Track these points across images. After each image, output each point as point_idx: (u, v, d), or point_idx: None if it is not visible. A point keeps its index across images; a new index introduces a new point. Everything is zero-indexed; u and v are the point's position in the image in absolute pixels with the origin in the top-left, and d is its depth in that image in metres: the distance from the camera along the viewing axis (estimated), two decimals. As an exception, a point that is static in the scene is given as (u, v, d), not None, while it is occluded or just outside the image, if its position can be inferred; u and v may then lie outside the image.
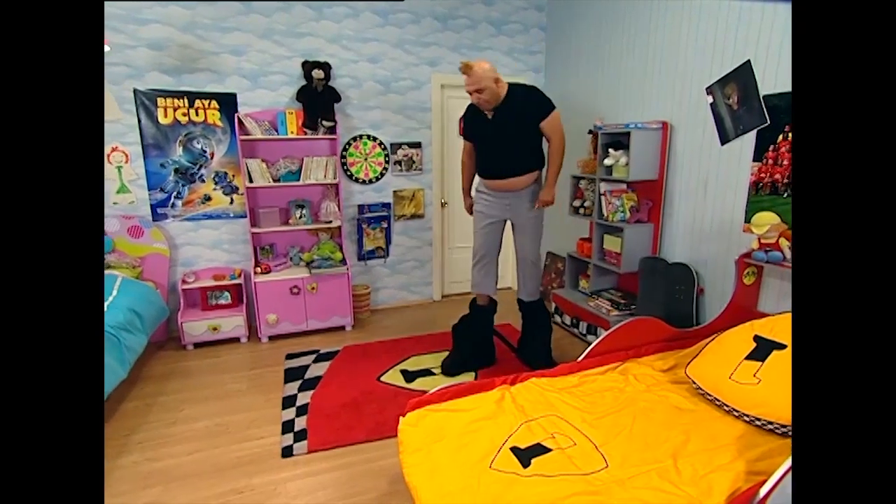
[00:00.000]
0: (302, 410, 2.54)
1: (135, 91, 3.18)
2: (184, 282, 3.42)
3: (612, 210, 3.15)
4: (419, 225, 4.13)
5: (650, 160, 2.98)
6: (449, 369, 2.93)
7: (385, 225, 3.97)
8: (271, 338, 3.50)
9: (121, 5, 3.01)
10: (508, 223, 2.82)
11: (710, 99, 2.63)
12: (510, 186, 2.66)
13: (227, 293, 3.52)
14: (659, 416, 1.77)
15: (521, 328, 3.07)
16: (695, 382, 1.91)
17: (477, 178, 2.83)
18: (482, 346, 3.01)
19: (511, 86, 2.55)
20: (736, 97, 2.47)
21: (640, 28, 3.11)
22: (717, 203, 2.66)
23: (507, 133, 2.57)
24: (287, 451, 2.20)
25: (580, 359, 2.21)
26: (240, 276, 3.54)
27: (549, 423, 1.75)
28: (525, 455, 1.58)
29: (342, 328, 3.67)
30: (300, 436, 2.32)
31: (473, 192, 2.90)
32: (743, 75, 2.41)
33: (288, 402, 2.63)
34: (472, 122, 2.72)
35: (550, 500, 1.36)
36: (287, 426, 2.40)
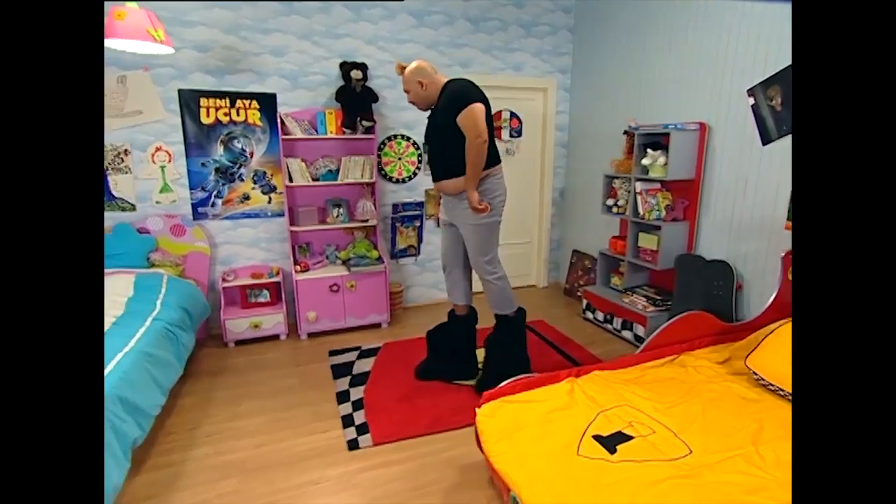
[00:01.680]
0: (358, 405, 2.59)
1: (179, 91, 3.21)
2: (224, 280, 3.46)
3: (648, 209, 3.24)
4: (449, 223, 4.19)
5: (687, 160, 3.06)
6: (420, 374, 2.85)
7: (417, 224, 4.02)
8: (310, 335, 3.55)
9: (168, 7, 3.04)
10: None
11: (751, 100, 2.71)
12: (442, 189, 2.54)
13: (265, 291, 3.56)
14: (727, 405, 1.85)
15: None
16: (756, 374, 1.99)
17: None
18: (461, 357, 2.85)
19: (446, 83, 2.43)
20: (779, 99, 2.56)
21: (676, 30, 3.19)
22: (757, 201, 2.75)
23: (434, 134, 2.48)
24: (353, 444, 2.26)
25: (638, 352, 2.29)
26: (277, 274, 3.58)
27: (624, 412, 1.82)
28: (609, 442, 1.65)
29: (378, 325, 3.72)
30: (362, 429, 2.37)
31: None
32: (788, 78, 2.50)
33: (342, 397, 2.68)
34: (428, 122, 2.60)
35: (647, 484, 1.44)
36: (347, 420, 2.46)
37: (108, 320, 2.53)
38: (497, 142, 4.20)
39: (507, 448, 1.69)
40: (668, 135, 3.02)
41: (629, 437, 1.67)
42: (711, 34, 2.94)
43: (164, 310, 2.74)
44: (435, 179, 2.58)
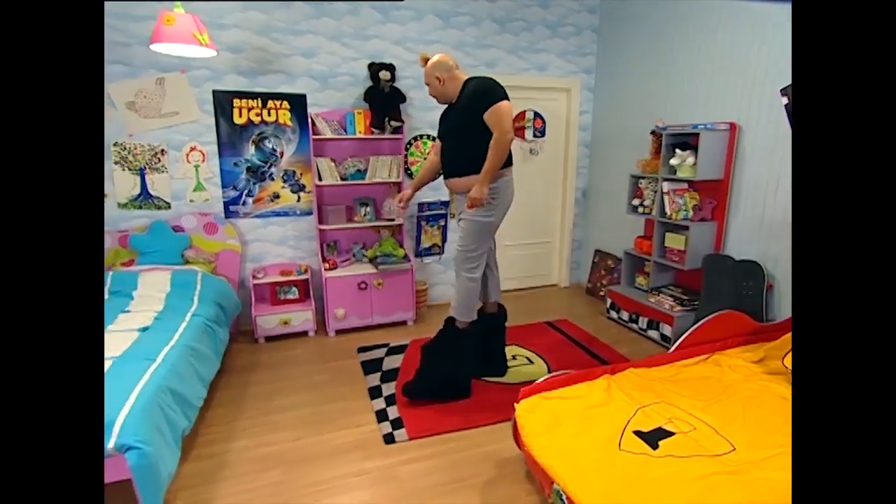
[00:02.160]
0: (391, 400, 2.64)
1: (213, 93, 3.29)
2: (254, 277, 3.53)
3: (675, 209, 3.24)
4: (473, 223, 4.22)
5: (717, 160, 3.06)
6: (406, 392, 2.59)
7: (442, 223, 4.06)
8: (338, 332, 3.61)
9: (204, 10, 3.11)
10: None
11: (784, 100, 2.71)
12: (453, 186, 2.56)
13: (294, 288, 3.63)
14: (767, 404, 1.86)
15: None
16: (793, 373, 2.00)
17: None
18: (493, 352, 2.84)
19: (468, 79, 2.45)
20: (813, 99, 2.55)
21: (705, 31, 3.19)
22: (789, 201, 2.75)
23: (452, 131, 2.47)
24: (389, 438, 2.31)
25: (671, 350, 2.31)
26: (305, 271, 3.64)
27: (662, 409, 1.84)
28: (651, 438, 1.68)
29: (404, 323, 3.77)
30: (397, 424, 2.42)
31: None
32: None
33: (374, 392, 2.73)
34: (441, 117, 2.62)
35: (693, 479, 1.46)
36: (381, 415, 2.51)
37: (150, 315, 2.61)
38: (520, 142, 4.28)
39: (549, 442, 1.72)
40: (697, 135, 3.03)
41: (671, 433, 1.69)
42: (742, 34, 2.94)
43: (202, 305, 2.82)
44: (446, 176, 2.59)
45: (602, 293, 4.27)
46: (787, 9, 2.64)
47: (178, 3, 2.33)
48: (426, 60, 2.47)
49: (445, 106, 2.61)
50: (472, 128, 2.33)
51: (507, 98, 2.32)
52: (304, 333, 3.57)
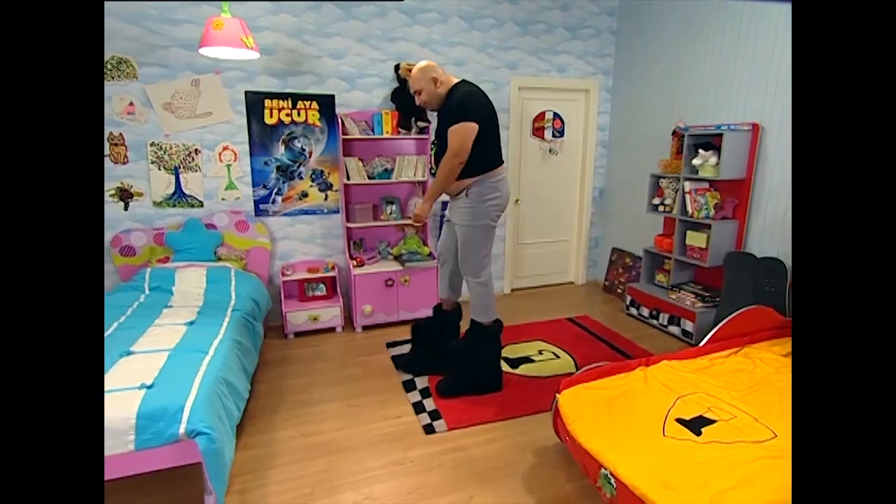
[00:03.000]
0: (425, 393, 2.72)
1: (245, 93, 3.37)
2: (283, 274, 3.61)
3: (697, 207, 3.32)
4: (493, 221, 4.30)
5: (739, 160, 3.14)
6: (404, 367, 2.91)
7: (464, 221, 4.14)
8: (365, 327, 3.69)
9: (238, 13, 3.19)
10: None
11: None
12: (447, 190, 2.53)
13: (322, 285, 3.71)
14: (800, 393, 1.94)
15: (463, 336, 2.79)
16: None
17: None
18: (440, 351, 2.82)
19: (457, 83, 2.43)
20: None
21: (726, 33, 3.27)
22: (811, 200, 2.82)
23: (442, 138, 2.41)
24: (429, 429, 2.38)
25: (703, 344, 2.38)
26: (333, 268, 3.72)
27: (700, 398, 1.92)
28: (693, 425, 1.75)
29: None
30: (434, 415, 2.50)
31: None
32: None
33: (408, 385, 2.81)
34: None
35: (739, 463, 1.54)
36: (418, 407, 2.58)
37: (193, 310, 2.69)
38: (540, 142, 4.35)
39: (594, 430, 1.80)
40: (720, 136, 3.10)
41: (712, 421, 1.77)
42: (766, 36, 3.01)
43: (239, 301, 2.90)
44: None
45: (620, 290, 4.35)
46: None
47: (224, 2, 2.41)
48: (409, 69, 2.45)
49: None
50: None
51: (476, 118, 2.29)
52: (332, 329, 3.65)
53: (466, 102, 2.32)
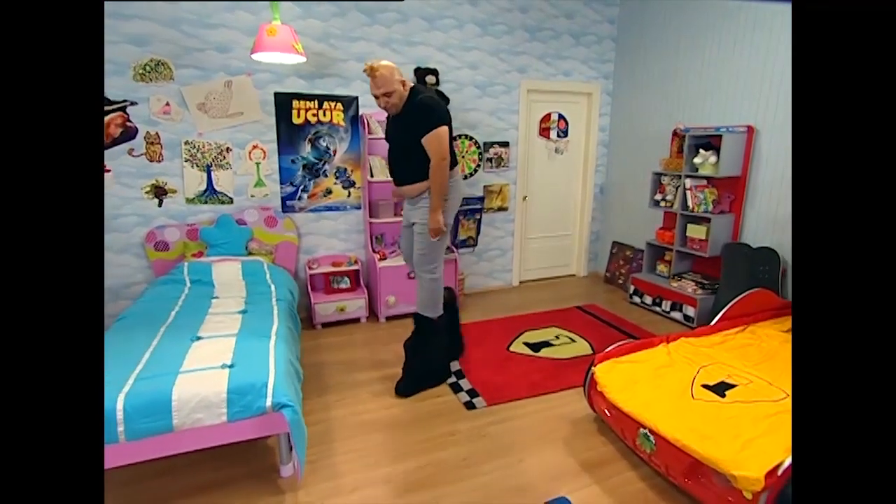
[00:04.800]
0: (459, 375, 2.93)
1: (275, 94, 3.51)
2: (310, 267, 3.77)
3: (697, 202, 3.62)
4: (503, 217, 4.55)
5: (736, 159, 3.45)
6: (402, 391, 2.72)
7: (478, 217, 4.37)
8: (388, 318, 3.87)
9: (270, 18, 3.33)
10: None
11: (798, 107, 3.10)
12: (403, 193, 2.60)
13: (346, 278, 3.88)
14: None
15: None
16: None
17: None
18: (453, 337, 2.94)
19: (412, 88, 2.47)
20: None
21: (722, 43, 3.57)
22: (801, 195, 3.14)
23: (400, 138, 2.45)
24: (470, 406, 2.60)
25: (713, 323, 2.67)
26: (355, 262, 3.89)
27: (719, 368, 2.20)
28: (717, 389, 2.02)
29: (447, 309, 4.05)
30: (472, 394, 2.71)
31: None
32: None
33: (442, 368, 3.02)
34: (388, 124, 2.61)
35: (761, 417, 1.81)
36: (455, 387, 2.80)
37: (240, 300, 2.84)
38: (546, 141, 4.61)
39: (631, 396, 2.05)
40: (719, 136, 3.41)
41: (733, 385, 2.04)
42: (759, 45, 3.32)
43: (279, 292, 3.05)
44: (396, 184, 2.62)
45: (621, 281, 4.65)
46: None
47: (276, 10, 2.56)
48: (374, 69, 2.34)
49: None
50: (417, 145, 2.40)
51: (446, 121, 2.36)
52: (357, 320, 3.82)
53: (434, 109, 2.38)
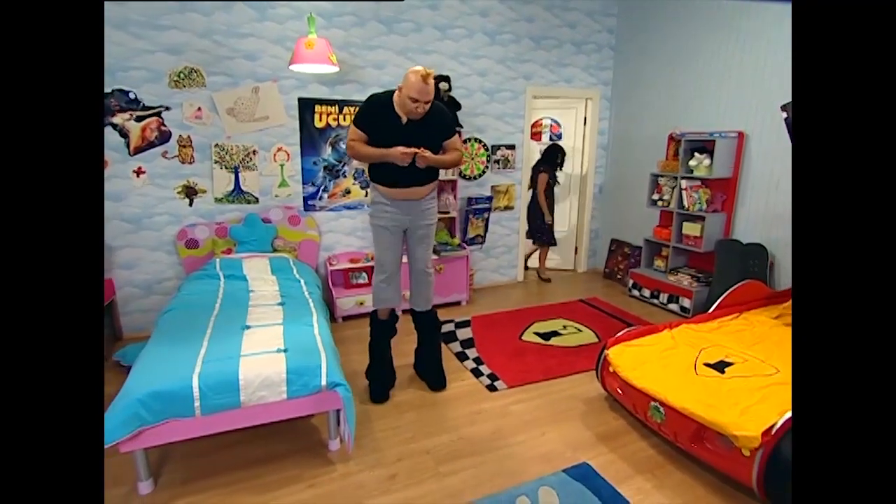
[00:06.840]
0: (478, 361, 3.17)
1: (299, 100, 3.71)
2: (330, 263, 3.97)
3: (692, 202, 3.91)
4: (509, 216, 4.80)
5: (728, 161, 3.74)
6: (378, 398, 2.73)
7: (486, 215, 4.61)
8: (403, 311, 4.09)
9: (294, 30, 3.53)
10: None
11: (784, 115, 3.40)
12: (412, 195, 2.58)
13: (364, 273, 4.09)
14: (789, 345, 2.51)
15: (418, 340, 2.99)
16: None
17: (374, 192, 2.64)
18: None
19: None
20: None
21: (718, 54, 3.86)
22: (788, 195, 3.45)
23: (421, 141, 2.46)
24: (492, 388, 2.84)
25: (711, 311, 2.95)
26: (372, 259, 4.10)
27: (718, 349, 2.47)
28: (718, 366, 2.29)
29: (458, 303, 4.29)
30: (493, 377, 2.96)
31: (371, 205, 2.71)
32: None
33: (461, 356, 3.26)
34: (381, 125, 2.47)
35: (756, 388, 2.08)
36: (475, 372, 3.04)
37: (275, 292, 3.04)
38: (538, 144, 4.86)
39: (642, 374, 2.31)
40: (713, 141, 3.70)
41: (731, 363, 2.31)
42: (750, 56, 3.62)
43: (308, 286, 3.26)
44: (404, 185, 2.54)
45: (619, 276, 4.93)
46: (788, 34, 3.32)
47: (312, 18, 2.76)
48: (431, 76, 2.32)
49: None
50: (437, 147, 2.54)
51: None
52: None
53: (451, 117, 2.60)
